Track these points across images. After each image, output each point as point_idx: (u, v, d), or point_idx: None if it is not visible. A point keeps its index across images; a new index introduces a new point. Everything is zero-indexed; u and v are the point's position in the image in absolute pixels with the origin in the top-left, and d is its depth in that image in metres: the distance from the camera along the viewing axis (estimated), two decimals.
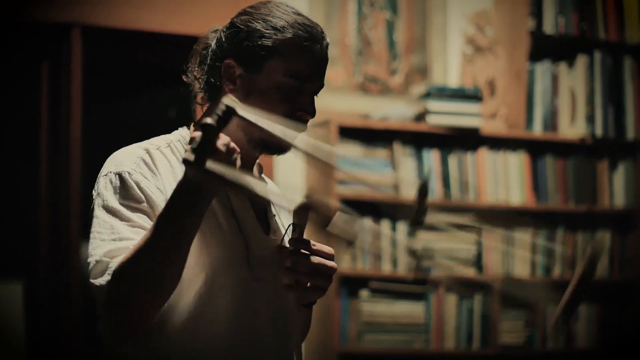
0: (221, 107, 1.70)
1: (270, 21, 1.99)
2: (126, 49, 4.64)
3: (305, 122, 2.03)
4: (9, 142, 4.44)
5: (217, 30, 2.09)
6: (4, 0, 4.18)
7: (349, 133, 4.53)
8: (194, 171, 1.69)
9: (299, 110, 2.00)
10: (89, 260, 1.87)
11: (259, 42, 1.98)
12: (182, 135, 2.06)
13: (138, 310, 1.83)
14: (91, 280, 1.84)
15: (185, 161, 1.68)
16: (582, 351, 4.85)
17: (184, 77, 2.12)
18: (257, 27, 1.99)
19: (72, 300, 4.21)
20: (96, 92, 4.76)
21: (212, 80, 2.03)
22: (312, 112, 2.03)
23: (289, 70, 1.98)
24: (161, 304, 1.86)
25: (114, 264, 1.82)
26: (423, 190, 2.22)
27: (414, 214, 2.22)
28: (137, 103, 5.89)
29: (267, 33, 1.98)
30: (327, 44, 2.04)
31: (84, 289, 4.39)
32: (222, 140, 1.71)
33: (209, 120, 1.67)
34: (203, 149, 1.67)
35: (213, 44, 2.06)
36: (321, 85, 2.05)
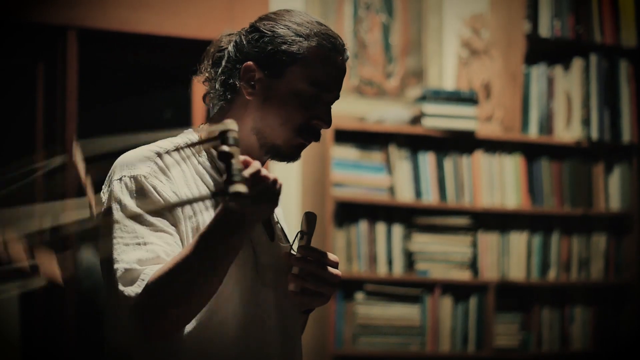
0: (230, 134, 1.72)
1: (296, 28, 2.00)
2: (121, 51, 4.64)
3: (319, 131, 2.04)
4: (4, 142, 4.44)
5: (231, 34, 2.09)
6: (1, 2, 4.18)
7: (344, 136, 4.53)
8: (246, 203, 1.72)
9: (316, 118, 2.01)
10: (115, 266, 1.86)
11: (283, 48, 1.99)
12: (190, 139, 2.04)
13: (170, 323, 1.84)
14: (120, 289, 1.84)
15: (235, 195, 1.70)
16: (578, 354, 4.86)
17: (195, 77, 2.11)
18: (282, 33, 2.00)
19: (68, 301, 4.21)
20: (92, 93, 4.76)
21: (231, 82, 2.03)
22: (328, 122, 2.04)
23: (310, 78, 1.99)
24: (193, 317, 1.88)
25: (146, 276, 1.82)
26: None
27: None
28: (132, 105, 5.89)
29: (292, 39, 1.99)
30: (348, 57, 2.05)
31: (80, 291, 4.39)
32: (264, 171, 1.76)
33: (225, 148, 1.71)
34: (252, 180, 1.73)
35: (230, 47, 2.05)
36: (337, 97, 2.06)
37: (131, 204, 1.90)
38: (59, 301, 4.21)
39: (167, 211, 1.92)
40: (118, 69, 5.45)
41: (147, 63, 4.87)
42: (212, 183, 2.00)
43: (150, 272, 1.82)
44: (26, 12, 4.23)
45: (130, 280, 1.83)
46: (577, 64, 4.93)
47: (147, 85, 5.63)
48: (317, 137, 2.04)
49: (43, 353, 4.24)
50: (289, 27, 2.00)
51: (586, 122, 4.92)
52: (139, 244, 1.86)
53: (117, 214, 1.90)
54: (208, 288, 1.83)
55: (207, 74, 2.09)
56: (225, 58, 2.05)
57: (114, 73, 5.52)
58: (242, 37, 2.04)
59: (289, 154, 2.03)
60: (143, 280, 1.82)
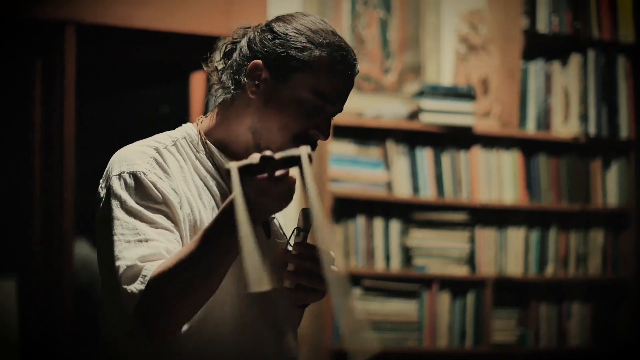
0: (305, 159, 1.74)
1: (309, 35, 1.97)
2: (120, 46, 4.64)
3: (316, 141, 2.01)
4: (1, 138, 4.43)
5: (246, 27, 2.06)
6: None
7: (342, 131, 4.53)
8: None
9: (314, 128, 1.99)
10: (117, 263, 1.84)
11: (293, 53, 1.96)
12: (188, 133, 2.04)
13: (174, 319, 1.83)
14: (123, 287, 1.82)
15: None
16: (575, 350, 4.86)
17: (204, 65, 2.09)
18: (294, 38, 1.97)
19: (65, 296, 4.21)
20: (90, 88, 4.76)
21: (237, 77, 2.01)
22: (326, 134, 2.01)
23: (316, 88, 1.97)
24: (196, 312, 1.86)
25: (148, 272, 1.80)
26: None
27: None
28: (130, 100, 5.90)
29: (303, 46, 1.96)
30: (357, 72, 2.03)
31: (76, 285, 4.39)
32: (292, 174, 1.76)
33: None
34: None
35: (243, 41, 2.03)
36: (340, 110, 2.03)
37: (130, 200, 1.88)
38: (57, 297, 4.22)
39: (167, 208, 1.90)
40: (116, 64, 5.45)
41: (145, 58, 4.87)
42: (209, 180, 2.00)
43: (151, 268, 1.80)
44: (24, 8, 4.22)
45: (132, 277, 1.81)
46: (574, 59, 4.94)
47: (145, 81, 5.63)
48: (312, 147, 2.00)
49: (41, 348, 4.24)
50: (302, 33, 1.97)
51: (584, 117, 4.92)
52: (140, 240, 1.84)
53: (117, 210, 1.88)
54: (212, 283, 1.81)
55: (216, 64, 2.07)
56: (237, 52, 2.03)
57: (112, 68, 5.52)
58: (256, 34, 2.02)
59: None
60: (145, 276, 1.80)
